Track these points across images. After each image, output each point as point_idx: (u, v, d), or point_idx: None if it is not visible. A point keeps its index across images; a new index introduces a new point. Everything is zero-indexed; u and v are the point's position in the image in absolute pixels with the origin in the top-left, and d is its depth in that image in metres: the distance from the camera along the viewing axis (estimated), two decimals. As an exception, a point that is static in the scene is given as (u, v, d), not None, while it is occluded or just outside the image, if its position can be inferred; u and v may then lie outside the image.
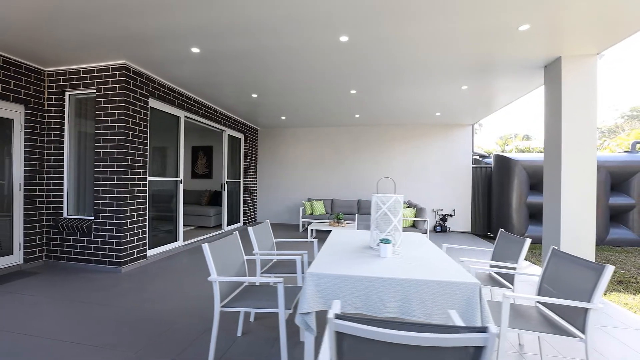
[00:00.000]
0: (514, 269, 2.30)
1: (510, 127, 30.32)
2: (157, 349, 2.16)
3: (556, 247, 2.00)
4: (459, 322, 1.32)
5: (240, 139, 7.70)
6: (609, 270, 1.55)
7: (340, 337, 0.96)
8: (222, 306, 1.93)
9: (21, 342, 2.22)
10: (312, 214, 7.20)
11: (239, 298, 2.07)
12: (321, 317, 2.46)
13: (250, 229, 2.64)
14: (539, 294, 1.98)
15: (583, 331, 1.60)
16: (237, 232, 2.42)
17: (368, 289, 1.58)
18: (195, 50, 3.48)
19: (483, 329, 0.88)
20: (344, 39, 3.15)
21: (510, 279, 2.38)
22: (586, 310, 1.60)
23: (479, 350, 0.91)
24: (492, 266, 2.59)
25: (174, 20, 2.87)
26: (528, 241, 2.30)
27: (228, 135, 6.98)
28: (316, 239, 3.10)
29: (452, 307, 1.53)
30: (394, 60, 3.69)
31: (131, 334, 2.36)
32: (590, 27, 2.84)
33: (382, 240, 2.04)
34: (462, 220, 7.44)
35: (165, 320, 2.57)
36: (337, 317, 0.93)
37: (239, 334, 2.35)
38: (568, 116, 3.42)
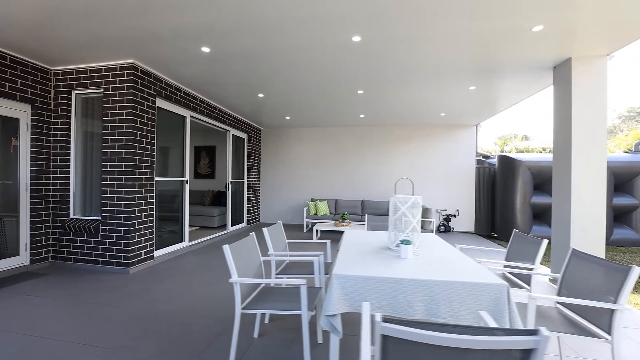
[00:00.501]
0: (531, 269, 2.30)
1: (509, 128, 30.51)
2: (174, 351, 2.13)
3: (576, 248, 2.00)
4: (492, 324, 1.31)
5: (243, 138, 7.67)
6: (636, 271, 1.56)
7: (385, 340, 0.95)
8: (242, 308, 1.92)
9: (30, 343, 2.19)
10: (316, 214, 7.18)
11: (257, 300, 2.06)
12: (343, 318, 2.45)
13: (265, 229, 2.62)
14: (558, 294, 1.98)
15: (609, 332, 1.60)
16: (253, 233, 2.40)
17: (395, 291, 1.57)
18: (205, 49, 3.45)
19: (534, 332, 0.87)
20: (356, 39, 3.14)
21: (526, 279, 2.37)
22: (612, 311, 1.60)
23: (526, 353, 0.90)
24: (507, 266, 2.60)
25: (185, 20, 2.85)
26: (545, 242, 2.30)
27: (232, 135, 6.95)
28: (329, 240, 3.08)
29: (480, 309, 1.52)
30: (404, 60, 3.69)
31: (144, 336, 2.33)
32: (602, 28, 2.84)
33: (403, 242, 2.03)
34: (465, 220, 7.46)
35: (178, 322, 2.55)
36: (385, 320, 0.92)
37: (255, 335, 2.33)
38: (578, 117, 3.43)
